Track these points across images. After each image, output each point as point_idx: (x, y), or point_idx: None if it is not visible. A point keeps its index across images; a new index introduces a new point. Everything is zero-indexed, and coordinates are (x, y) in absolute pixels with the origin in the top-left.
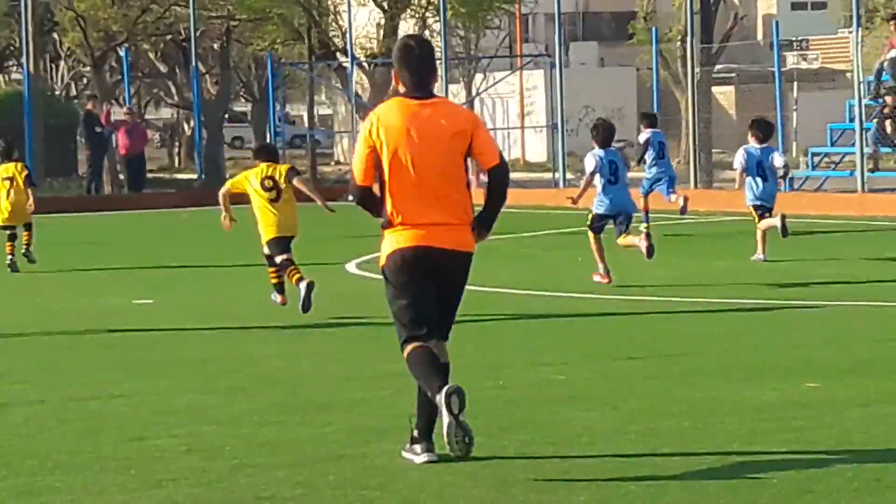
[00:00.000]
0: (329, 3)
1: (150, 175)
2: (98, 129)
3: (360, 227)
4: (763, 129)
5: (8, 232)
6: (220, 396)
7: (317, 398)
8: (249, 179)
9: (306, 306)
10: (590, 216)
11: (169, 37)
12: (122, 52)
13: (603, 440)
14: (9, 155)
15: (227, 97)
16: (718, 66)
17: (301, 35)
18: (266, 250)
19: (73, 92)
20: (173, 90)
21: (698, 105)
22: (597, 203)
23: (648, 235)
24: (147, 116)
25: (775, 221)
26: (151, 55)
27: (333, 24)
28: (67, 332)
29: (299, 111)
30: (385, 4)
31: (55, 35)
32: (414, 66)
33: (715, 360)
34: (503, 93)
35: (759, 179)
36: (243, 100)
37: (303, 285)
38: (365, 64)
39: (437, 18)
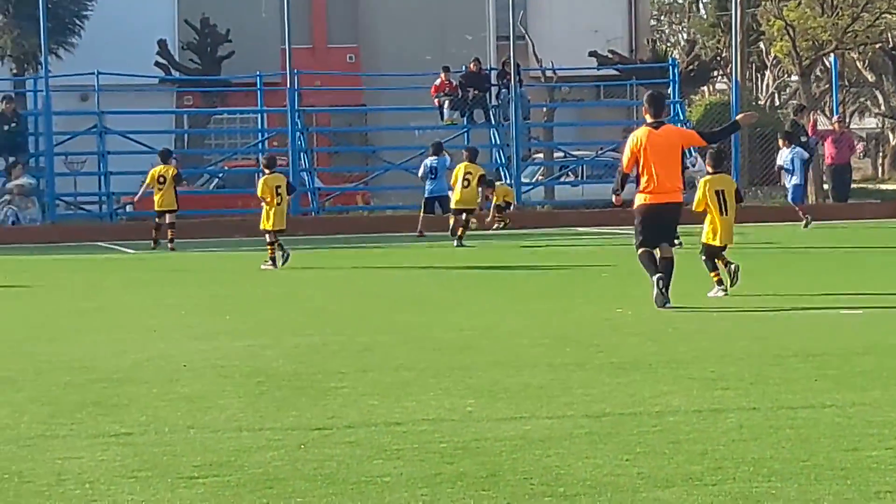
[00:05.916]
0: None
1: (854, 185)
2: (804, 139)
3: None
4: None
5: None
6: None
7: None
8: None
9: None
10: None
11: (878, 45)
12: (829, 61)
13: None
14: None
15: None
16: None
17: None
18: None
19: (777, 101)
20: (880, 99)
21: None
22: None
23: None
24: (852, 126)
25: None
26: (859, 64)
27: None
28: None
29: None
30: None
31: (760, 45)
32: (654, 107)
33: None
34: None
35: None
36: None
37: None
38: None
39: None
